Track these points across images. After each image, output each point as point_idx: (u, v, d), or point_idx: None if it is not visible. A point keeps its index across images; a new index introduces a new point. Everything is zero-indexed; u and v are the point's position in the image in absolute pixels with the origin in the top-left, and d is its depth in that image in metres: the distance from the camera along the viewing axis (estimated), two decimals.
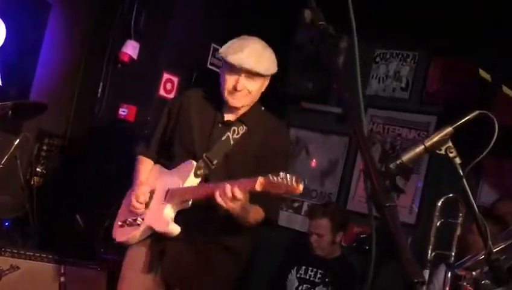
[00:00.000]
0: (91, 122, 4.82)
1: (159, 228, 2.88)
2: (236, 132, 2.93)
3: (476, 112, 2.05)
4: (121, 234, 3.03)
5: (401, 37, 5.10)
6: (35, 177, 4.47)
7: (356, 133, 1.37)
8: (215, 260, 2.92)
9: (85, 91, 4.87)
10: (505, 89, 4.34)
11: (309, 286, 4.38)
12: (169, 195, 2.89)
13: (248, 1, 5.09)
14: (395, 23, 4.89)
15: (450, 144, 2.04)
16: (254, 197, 2.72)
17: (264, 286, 4.76)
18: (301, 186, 2.43)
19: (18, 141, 4.03)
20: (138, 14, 4.69)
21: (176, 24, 4.77)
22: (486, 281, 2.19)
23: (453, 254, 3.07)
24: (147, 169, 3.09)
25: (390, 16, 4.86)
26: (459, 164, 2.02)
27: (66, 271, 3.73)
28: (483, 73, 4.31)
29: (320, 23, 1.47)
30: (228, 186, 2.57)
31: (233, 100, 2.88)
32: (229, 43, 2.93)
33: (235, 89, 2.84)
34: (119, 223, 3.06)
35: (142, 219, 2.95)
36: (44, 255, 3.74)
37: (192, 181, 2.88)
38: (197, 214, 2.85)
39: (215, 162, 2.88)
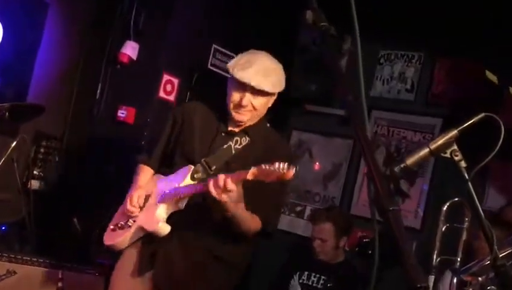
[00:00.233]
0: (89, 125, 4.82)
1: (148, 226, 2.88)
2: (238, 142, 2.96)
3: (482, 115, 2.06)
4: (110, 237, 3.04)
5: (406, 37, 5.11)
6: (32, 181, 4.46)
7: (359, 135, 1.38)
8: (206, 267, 2.92)
9: (83, 92, 4.88)
10: (511, 90, 4.34)
11: None
12: (164, 196, 2.92)
13: (249, 1, 5.10)
14: (399, 24, 4.90)
15: (455, 147, 2.05)
16: (252, 206, 2.76)
17: None
18: (292, 171, 2.44)
19: (15, 143, 4.04)
20: (138, 14, 4.69)
21: (176, 24, 4.77)
22: (492, 287, 2.20)
23: (458, 259, 3.07)
24: (146, 176, 3.13)
25: (395, 16, 4.87)
26: (465, 167, 2.02)
27: (64, 276, 3.74)
28: (489, 75, 4.31)
29: (322, 24, 1.48)
30: (221, 176, 2.59)
31: (238, 115, 2.92)
32: (238, 57, 2.97)
33: (240, 105, 2.88)
34: (111, 226, 3.08)
35: (134, 221, 2.96)
36: (41, 260, 3.74)
37: (188, 183, 2.90)
38: (191, 217, 2.87)
39: (213, 167, 2.90)
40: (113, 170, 4.52)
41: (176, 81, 4.76)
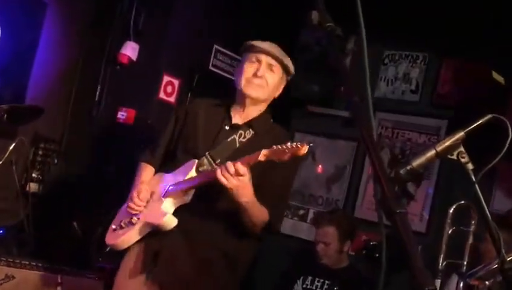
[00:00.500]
0: (89, 126, 4.83)
1: (154, 220, 2.88)
2: (243, 136, 2.98)
3: (489, 116, 2.07)
4: (113, 237, 3.03)
5: (410, 37, 5.11)
6: (31, 183, 4.47)
7: (365, 137, 1.39)
8: (212, 263, 2.93)
9: (82, 94, 4.88)
10: None
11: None
12: (169, 190, 2.92)
13: (249, 1, 5.10)
14: (404, 23, 4.91)
15: (462, 149, 2.05)
16: (259, 198, 2.76)
17: None
18: (305, 147, 2.48)
19: (13, 145, 4.05)
20: (137, 14, 4.70)
21: (177, 24, 4.79)
22: None
23: (465, 263, 3.08)
24: (148, 175, 3.13)
25: (399, 15, 4.87)
26: (472, 169, 2.03)
27: (63, 280, 3.74)
28: (496, 75, 4.32)
29: (328, 24, 1.49)
30: (230, 163, 2.62)
31: (249, 89, 2.97)
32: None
33: (255, 75, 2.94)
34: (113, 226, 3.07)
35: (138, 218, 2.95)
36: (40, 264, 3.74)
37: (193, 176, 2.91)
38: (196, 212, 2.88)
39: (218, 161, 2.91)
40: (113, 172, 4.52)
41: (176, 82, 4.77)
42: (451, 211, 3.17)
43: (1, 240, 4.11)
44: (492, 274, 2.36)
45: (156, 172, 3.16)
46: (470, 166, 2.03)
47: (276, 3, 4.97)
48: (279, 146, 2.55)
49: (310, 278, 4.44)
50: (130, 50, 4.66)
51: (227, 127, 3.02)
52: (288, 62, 3.04)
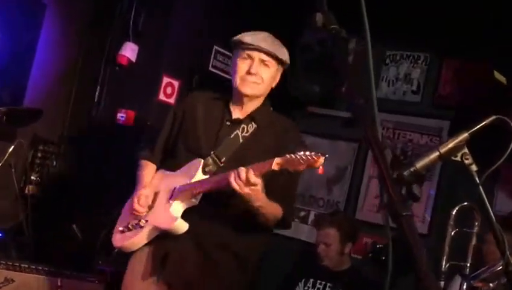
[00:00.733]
0: (88, 128, 4.83)
1: (164, 225, 2.88)
2: (245, 130, 2.97)
3: (493, 117, 2.07)
4: (121, 239, 3.02)
5: (412, 37, 5.11)
6: (30, 186, 4.47)
7: (370, 139, 1.40)
8: (220, 265, 2.93)
9: (81, 95, 4.89)
10: None
11: None
12: (176, 192, 2.91)
13: (250, 2, 5.11)
14: (405, 24, 4.91)
15: (465, 150, 2.05)
16: (271, 194, 2.77)
17: None
18: (322, 159, 2.49)
19: (12, 148, 4.06)
20: (137, 14, 4.71)
21: (177, 25, 4.79)
22: None
23: (468, 264, 3.09)
24: (150, 173, 3.11)
25: (401, 15, 4.87)
26: (476, 171, 2.03)
27: (63, 284, 3.74)
28: (498, 75, 4.32)
29: (332, 26, 1.49)
30: (242, 169, 2.61)
31: (244, 87, 2.95)
32: (242, 34, 3.03)
33: (248, 72, 2.92)
34: (120, 228, 3.06)
35: (146, 221, 2.94)
36: (40, 268, 3.74)
37: (201, 178, 2.90)
38: (205, 213, 2.87)
39: (223, 159, 2.91)
40: (112, 175, 4.52)
41: (176, 83, 4.78)
42: (454, 212, 3.17)
43: (0, 243, 4.11)
44: (497, 276, 2.37)
45: (157, 168, 3.15)
46: (474, 168, 2.03)
47: (276, 3, 4.97)
48: (293, 155, 2.53)
49: (311, 280, 4.44)
50: (129, 51, 4.67)
51: (228, 123, 3.01)
52: (282, 53, 2.98)
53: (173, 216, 2.86)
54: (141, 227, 2.95)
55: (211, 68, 4.98)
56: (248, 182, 2.60)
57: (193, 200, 2.88)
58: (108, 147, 4.69)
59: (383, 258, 4.30)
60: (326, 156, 2.55)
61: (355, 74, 1.52)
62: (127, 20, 4.72)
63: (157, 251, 2.93)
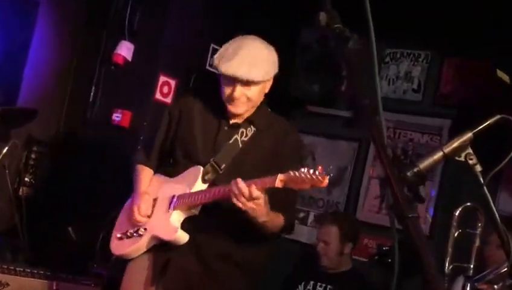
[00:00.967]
0: (83, 129, 4.83)
1: (165, 236, 2.87)
2: (244, 134, 2.95)
3: (498, 116, 2.07)
4: (120, 247, 3.02)
5: (412, 35, 5.11)
6: (24, 187, 4.47)
7: (375, 140, 1.40)
8: (222, 274, 2.92)
9: (76, 95, 4.89)
10: None
11: None
12: (176, 201, 2.90)
13: (250, 1, 5.10)
14: (405, 21, 4.91)
15: (469, 150, 2.06)
16: (272, 203, 2.75)
17: None
18: (327, 179, 2.47)
19: (6, 149, 4.05)
20: (133, 12, 4.70)
21: (173, 23, 4.78)
22: None
23: (471, 266, 3.09)
24: (147, 178, 3.10)
25: (401, 13, 4.88)
26: (480, 171, 2.04)
27: (59, 287, 3.75)
28: (500, 73, 4.33)
29: (336, 26, 1.50)
30: (244, 185, 2.59)
31: (233, 108, 2.92)
32: (222, 49, 2.94)
33: (233, 98, 2.87)
34: (118, 235, 3.05)
35: (145, 229, 2.94)
36: (35, 271, 3.74)
37: (200, 186, 2.88)
38: (206, 223, 2.87)
39: (223, 166, 2.90)
40: (108, 176, 4.52)
41: (173, 82, 4.77)
42: (457, 213, 3.18)
43: None
44: (502, 278, 2.38)
45: (154, 173, 3.13)
46: (478, 168, 2.03)
47: (276, 3, 4.97)
48: (297, 173, 2.50)
49: (311, 282, 4.45)
50: (125, 50, 4.66)
51: (226, 127, 2.98)
52: (263, 73, 2.85)
53: (174, 227, 2.85)
54: (140, 235, 2.94)
55: (208, 67, 4.97)
56: (250, 197, 2.59)
57: (193, 210, 2.88)
58: (104, 148, 4.69)
59: (389, 260, 4.30)
60: (331, 175, 2.52)
61: (356, 73, 1.53)
62: (122, 19, 4.71)
63: (157, 259, 2.93)
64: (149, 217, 2.97)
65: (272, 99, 3.10)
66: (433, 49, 5.17)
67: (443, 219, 4.57)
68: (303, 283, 4.48)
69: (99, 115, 4.76)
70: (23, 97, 4.59)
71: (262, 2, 5.05)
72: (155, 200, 3.00)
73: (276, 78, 3.00)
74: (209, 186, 2.89)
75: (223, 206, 2.79)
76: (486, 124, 2.08)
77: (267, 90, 2.98)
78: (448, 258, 3.08)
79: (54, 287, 3.73)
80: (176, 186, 2.94)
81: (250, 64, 2.83)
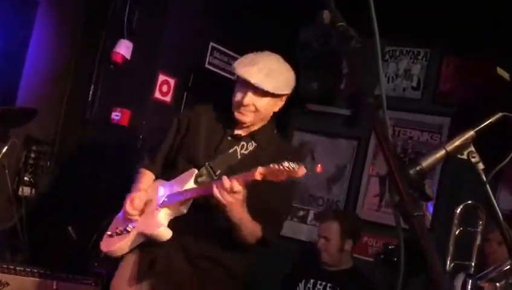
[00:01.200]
0: (82, 128, 4.82)
1: (148, 230, 2.90)
2: (245, 148, 2.98)
3: (499, 114, 2.08)
4: (108, 244, 3.06)
5: (412, 33, 5.11)
6: (23, 187, 4.47)
7: (380, 138, 1.40)
8: (209, 273, 2.95)
9: (75, 94, 4.88)
10: None
11: None
12: (165, 199, 2.94)
13: (250, 0, 5.10)
14: (405, 19, 4.91)
15: (472, 148, 2.06)
16: (254, 213, 2.78)
17: None
18: (302, 170, 2.48)
19: (6, 148, 4.05)
20: (131, 11, 4.69)
21: (172, 21, 4.78)
22: None
23: (473, 264, 3.09)
24: (148, 181, 3.14)
25: (400, 11, 4.87)
26: (482, 169, 2.04)
27: (59, 287, 3.75)
28: (501, 71, 4.33)
29: (340, 24, 1.50)
30: (226, 178, 2.62)
31: (239, 115, 2.94)
32: (244, 56, 3.00)
33: (241, 103, 2.89)
34: (109, 233, 3.09)
35: (133, 227, 2.97)
36: (35, 270, 3.75)
37: (191, 187, 2.92)
38: (194, 223, 2.89)
39: (218, 172, 2.93)
40: (108, 175, 4.52)
41: (172, 81, 4.77)
42: (458, 211, 3.17)
43: None
44: (504, 275, 2.38)
45: (156, 178, 3.16)
46: (481, 166, 2.03)
47: (275, 3, 4.96)
48: (275, 165, 2.52)
49: (312, 281, 4.45)
50: (124, 48, 4.65)
51: (229, 138, 3.02)
52: (276, 87, 2.88)
53: (158, 222, 2.88)
54: (128, 232, 2.97)
55: (207, 65, 4.97)
56: (231, 190, 2.61)
57: (181, 208, 2.90)
58: (103, 147, 4.69)
59: (395, 259, 4.30)
60: (307, 167, 2.56)
61: (358, 71, 1.53)
62: (121, 18, 4.70)
63: (144, 256, 2.96)
64: (140, 215, 2.99)
65: None
66: (432, 47, 5.17)
67: (443, 216, 4.57)
68: (303, 281, 4.48)
69: (99, 114, 4.75)
70: (22, 97, 4.59)
71: (261, 2, 5.04)
72: (150, 200, 3.02)
73: None
74: None
75: (212, 208, 2.80)
76: (488, 122, 2.08)
77: (276, 109, 3.01)
78: (449, 257, 3.08)
79: (54, 287, 3.74)
80: (169, 187, 2.99)
81: (267, 74, 2.87)
